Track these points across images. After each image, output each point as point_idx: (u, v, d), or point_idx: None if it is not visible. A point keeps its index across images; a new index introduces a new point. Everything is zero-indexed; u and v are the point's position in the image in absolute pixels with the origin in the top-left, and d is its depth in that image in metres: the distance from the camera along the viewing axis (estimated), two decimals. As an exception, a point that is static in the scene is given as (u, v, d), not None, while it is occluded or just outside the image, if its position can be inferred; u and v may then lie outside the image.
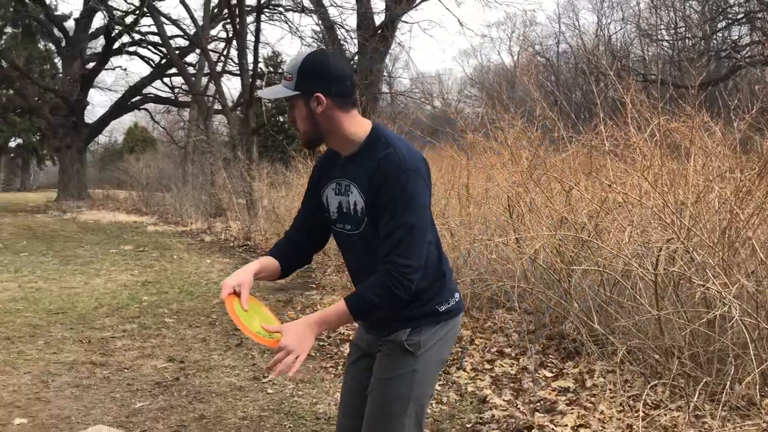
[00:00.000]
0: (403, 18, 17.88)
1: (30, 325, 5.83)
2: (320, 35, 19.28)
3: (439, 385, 4.35)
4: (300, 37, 20.84)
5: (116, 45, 21.69)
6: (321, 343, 5.42)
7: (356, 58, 17.48)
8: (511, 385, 4.28)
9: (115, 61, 23.22)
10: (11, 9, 26.75)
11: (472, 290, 5.65)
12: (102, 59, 21.87)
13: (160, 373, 4.68)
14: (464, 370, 4.58)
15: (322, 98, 1.89)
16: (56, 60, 29.56)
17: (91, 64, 22.28)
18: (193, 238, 12.13)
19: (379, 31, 17.37)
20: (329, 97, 1.90)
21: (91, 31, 22.25)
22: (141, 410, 3.99)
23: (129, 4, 20.68)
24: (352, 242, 2.04)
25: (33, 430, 3.70)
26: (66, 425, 3.77)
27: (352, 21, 26.80)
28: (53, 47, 26.46)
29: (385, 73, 22.63)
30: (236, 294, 1.97)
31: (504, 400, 4.03)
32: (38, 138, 34.69)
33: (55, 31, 22.91)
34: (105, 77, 43.42)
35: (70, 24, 23.01)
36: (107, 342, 5.38)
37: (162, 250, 10.54)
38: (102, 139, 37.22)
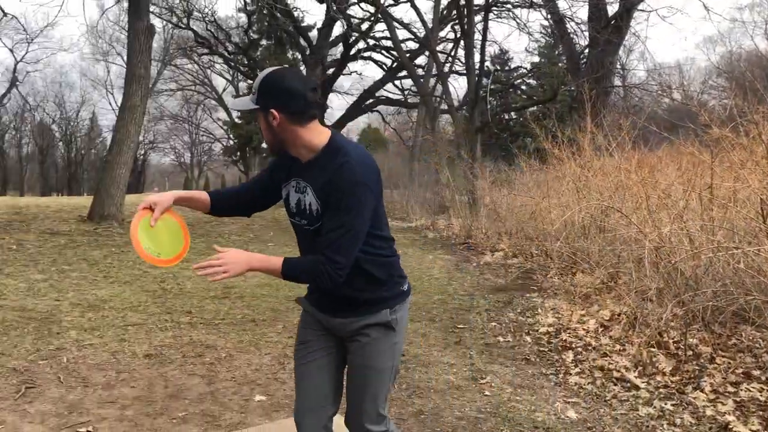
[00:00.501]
0: (640, 6, 16.73)
1: (272, 309, 6.41)
2: (549, 30, 18.77)
3: (672, 404, 3.98)
4: (528, 33, 20.58)
5: (353, 51, 23.12)
6: (542, 349, 5.26)
7: (586, 51, 16.72)
8: (760, 413, 3.78)
9: (351, 66, 24.85)
10: (266, 23, 29.96)
11: (713, 303, 5.09)
12: (340, 65, 23.46)
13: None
14: (702, 391, 4.14)
15: (275, 114, 2.14)
16: (301, 67, 32.27)
17: (330, 70, 24.00)
18: (417, 234, 12.49)
19: (612, 22, 16.44)
20: (282, 113, 2.13)
21: (331, 39, 23.96)
22: (363, 399, 4.18)
23: (365, 11, 21.96)
24: (306, 235, 2.30)
25: (270, 407, 4.04)
26: (285, 410, 4.06)
27: (582, 13, 25.74)
28: (299, 56, 28.99)
29: (618, 66, 21.37)
30: (150, 210, 2.26)
31: (751, 430, 3.56)
32: (285, 139, 38.26)
33: (301, 41, 25.07)
34: (343, 82, 46.48)
35: (313, 34, 25.01)
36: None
37: (388, 245, 11.00)
38: (338, 139, 39.97)
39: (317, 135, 2.20)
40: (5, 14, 15.63)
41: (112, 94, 41.99)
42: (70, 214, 12.93)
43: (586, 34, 17.45)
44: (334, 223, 2.13)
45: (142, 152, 43.62)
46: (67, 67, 71.84)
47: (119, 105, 13.36)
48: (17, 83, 39.72)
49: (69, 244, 9.84)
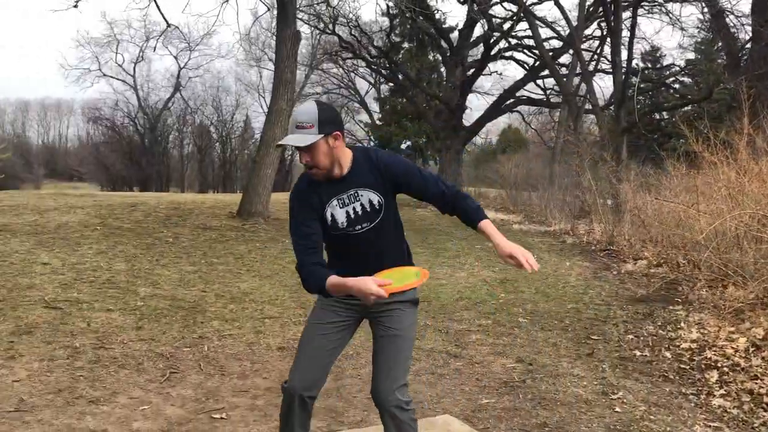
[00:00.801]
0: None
1: (400, 310, 6.47)
2: (705, 24, 17.50)
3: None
4: (681, 28, 19.25)
5: (494, 51, 22.83)
6: (682, 367, 4.91)
7: (748, 46, 15.42)
8: None
9: (492, 66, 24.55)
10: (408, 26, 30.34)
11: None
12: (480, 65, 23.24)
13: (509, 372, 4.76)
14: None
15: (339, 135, 2.48)
16: (442, 69, 32.33)
17: (470, 71, 23.86)
18: (555, 239, 12.11)
19: (780, 13, 15.01)
20: (342, 135, 2.50)
21: (472, 39, 23.82)
22: (486, 407, 4.11)
23: (507, 10, 21.63)
24: (363, 237, 2.59)
25: (392, 408, 4.08)
26: (419, 408, 4.06)
27: (744, 6, 23.75)
28: (440, 57, 29.08)
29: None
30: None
31: None
32: (424, 140, 38.50)
33: (442, 43, 25.11)
34: (483, 82, 46.07)
35: (454, 35, 24.98)
36: (463, 334, 5.68)
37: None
38: (478, 140, 39.77)
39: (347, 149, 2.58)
40: (169, 25, 17.00)
41: (263, 97, 44.36)
42: (222, 210, 13.80)
43: (748, 28, 16.09)
44: (430, 183, 2.62)
45: (290, 153, 45.70)
46: (223, 72, 76.98)
47: (267, 108, 14.05)
48: (180, 88, 43.09)
49: (219, 239, 10.51)
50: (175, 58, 41.38)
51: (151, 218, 12.24)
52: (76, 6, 13.31)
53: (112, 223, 11.52)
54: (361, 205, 2.57)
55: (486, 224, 2.58)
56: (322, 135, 2.42)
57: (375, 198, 2.57)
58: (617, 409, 4.12)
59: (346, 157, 2.55)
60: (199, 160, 47.11)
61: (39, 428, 3.61)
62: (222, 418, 3.86)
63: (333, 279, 2.43)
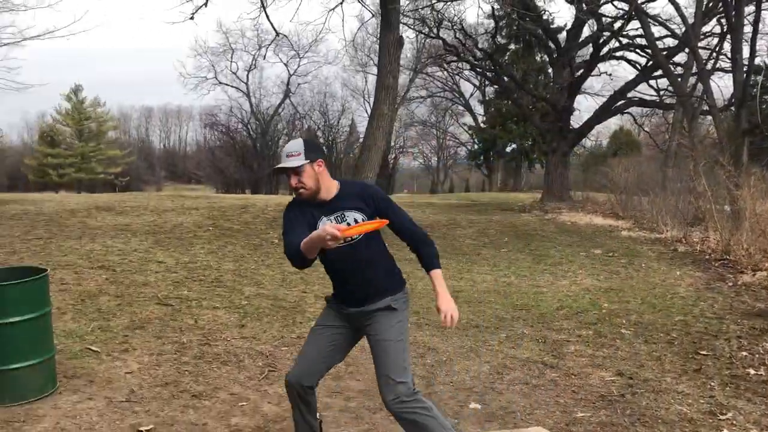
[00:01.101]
0: None
1: (497, 317, 6.39)
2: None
3: None
4: (813, 20, 17.76)
5: (603, 51, 22.06)
6: (801, 388, 4.55)
7: None
8: None
9: (601, 66, 23.68)
10: (514, 27, 29.89)
11: None
12: (589, 66, 22.51)
13: (607, 385, 4.59)
14: None
15: (321, 162, 2.96)
16: (549, 70, 31.62)
17: (579, 72, 23.17)
18: (666, 247, 11.54)
19: None
20: (324, 162, 2.96)
21: (580, 40, 23.12)
22: (581, 420, 3.98)
23: (618, 9, 20.84)
24: (352, 250, 2.96)
25: (483, 417, 4.04)
26: (511, 419, 4.01)
27: None
28: (547, 58, 28.42)
29: None
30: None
31: None
32: (530, 143, 37.80)
33: (550, 44, 24.53)
34: (592, 83, 44.66)
35: (562, 35, 24.34)
36: (561, 345, 5.53)
37: (631, 257, 10.32)
38: (588, 143, 38.56)
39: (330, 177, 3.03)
40: (278, 34, 17.63)
41: (368, 102, 45.05)
42: (324, 213, 14.16)
43: None
44: (405, 219, 3.07)
45: (393, 156, 46.14)
46: (330, 78, 78.79)
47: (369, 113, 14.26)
48: (290, 94, 44.53)
49: (320, 241, 10.77)
50: (285, 65, 42.84)
51: (259, 220, 12.73)
52: (192, 18, 14.06)
53: (223, 224, 12.07)
54: (347, 224, 2.91)
55: (436, 274, 3.07)
56: (308, 161, 2.90)
57: (359, 216, 2.94)
58: (725, 430, 3.88)
59: (332, 184, 3.00)
60: (306, 164, 48.44)
61: (146, 418, 3.84)
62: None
63: (304, 242, 2.75)
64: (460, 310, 6.37)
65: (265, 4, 14.91)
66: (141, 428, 3.70)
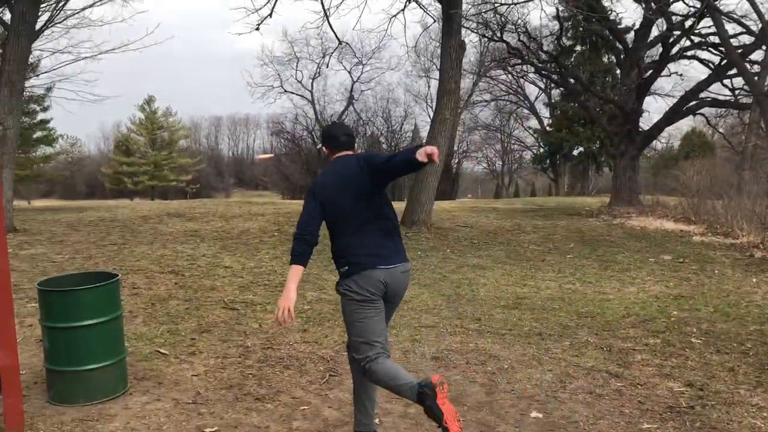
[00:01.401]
0: None
1: (561, 325, 6.27)
2: None
3: None
4: None
5: (674, 51, 21.36)
6: None
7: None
8: None
9: (672, 66, 22.93)
10: (580, 29, 29.32)
11: None
12: (658, 66, 21.84)
13: (675, 397, 4.44)
14: None
15: (324, 149, 3.76)
16: (616, 71, 30.85)
17: (648, 72, 22.51)
18: (741, 253, 11.07)
19: None
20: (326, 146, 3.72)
21: (649, 40, 22.48)
22: (647, 432, 3.87)
23: (689, 6, 20.15)
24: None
25: (545, 426, 3.97)
26: (573, 429, 3.93)
27: None
28: (614, 59, 27.73)
29: None
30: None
31: None
32: (597, 146, 36.94)
33: (617, 44, 23.93)
34: (662, 84, 43.33)
35: (630, 36, 23.72)
36: (627, 353, 5.38)
37: (702, 263, 9.95)
38: (658, 145, 37.38)
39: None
40: (341, 42, 17.84)
41: (431, 107, 44.99)
42: (387, 218, 14.22)
43: None
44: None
45: (456, 161, 45.95)
46: (393, 84, 79.24)
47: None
48: (353, 101, 44.93)
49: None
50: (349, 72, 43.23)
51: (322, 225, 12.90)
52: (257, 29, 14.40)
53: (288, 229, 12.28)
54: None
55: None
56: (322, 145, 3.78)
57: None
58: (803, 446, 3.69)
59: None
60: (370, 170, 48.82)
61: (211, 420, 3.95)
62: (376, 423, 3.97)
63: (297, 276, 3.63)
64: (523, 318, 6.32)
65: (327, 14, 15.13)
66: (206, 430, 3.81)
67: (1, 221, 3.63)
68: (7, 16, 18.59)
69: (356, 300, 3.49)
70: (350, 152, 3.65)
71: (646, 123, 24.42)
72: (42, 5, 12.61)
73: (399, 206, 17.94)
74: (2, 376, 3.64)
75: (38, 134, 37.70)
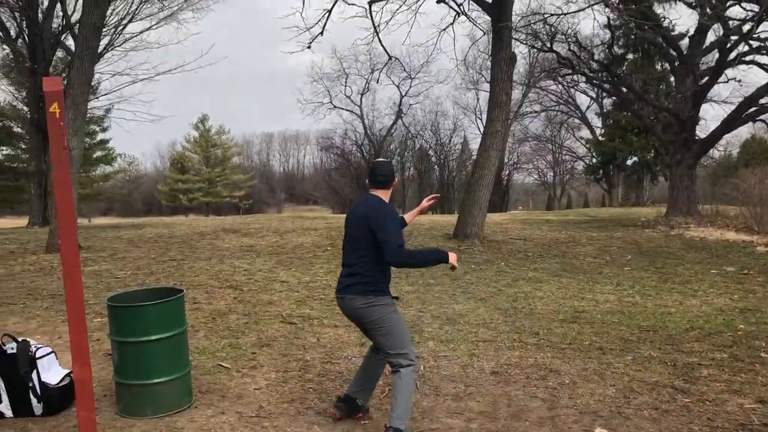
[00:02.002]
0: None
1: (621, 338, 6.14)
2: None
3: None
4: None
5: (731, 56, 20.80)
6: None
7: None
8: None
9: (729, 72, 22.31)
10: (632, 36, 28.82)
11: None
12: (715, 73, 21.29)
13: (746, 414, 4.30)
14: None
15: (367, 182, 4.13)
16: (671, 79, 30.22)
17: (704, 79, 21.98)
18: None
19: None
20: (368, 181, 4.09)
21: (704, 46, 21.96)
22: (718, 450, 3.75)
23: (746, 11, 19.61)
24: None
25: (610, 442, 3.89)
26: (640, 446, 3.84)
27: None
28: (668, 67, 27.15)
29: None
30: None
31: None
32: (652, 155, 36.14)
33: (670, 51, 23.45)
34: (718, 90, 42.19)
35: (684, 42, 23.22)
36: (693, 368, 5.23)
37: (769, 275, 9.62)
38: (715, 153, 36.35)
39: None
40: (391, 58, 17.97)
41: (480, 119, 44.83)
42: (439, 231, 14.18)
43: None
44: None
45: (507, 173, 45.54)
46: (441, 97, 79.40)
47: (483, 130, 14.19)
48: (402, 115, 45.10)
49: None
50: (397, 86, 43.46)
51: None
52: (309, 47, 14.64)
53: (340, 244, 12.38)
54: None
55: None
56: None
57: None
58: None
59: None
60: (419, 183, 48.79)
61: (274, 433, 4.01)
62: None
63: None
64: (582, 332, 6.22)
65: (377, 30, 15.28)
66: (270, 443, 3.86)
67: (74, 239, 3.78)
68: (69, 41, 19.33)
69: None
70: (379, 192, 4.04)
71: (702, 131, 23.82)
72: (103, 30, 13.11)
73: (451, 219, 17.91)
74: (77, 389, 3.77)
75: (98, 154, 39.04)
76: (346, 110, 45.08)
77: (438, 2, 14.23)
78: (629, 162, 39.05)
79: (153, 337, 4.20)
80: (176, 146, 62.53)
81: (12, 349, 4.34)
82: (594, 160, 42.21)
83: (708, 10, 18.79)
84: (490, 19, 13.81)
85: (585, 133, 45.47)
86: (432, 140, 48.27)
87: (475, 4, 13.77)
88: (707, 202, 25.44)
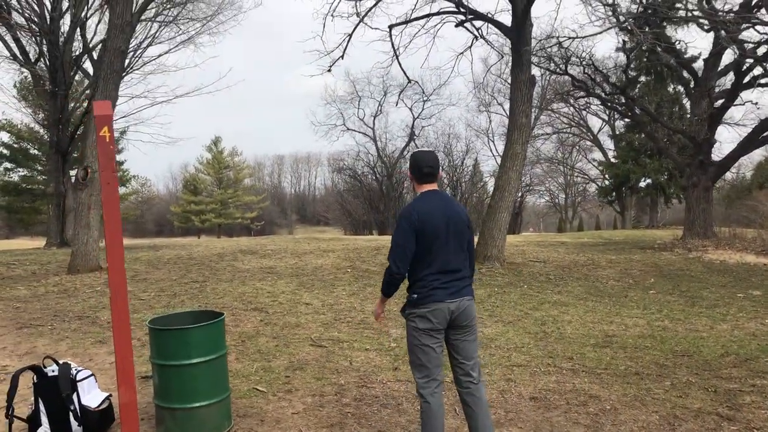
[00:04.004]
0: None
1: (657, 363, 6.06)
2: None
3: None
4: None
5: (747, 79, 20.80)
6: None
7: None
8: None
9: (744, 95, 22.32)
10: (645, 59, 28.88)
11: None
12: (730, 95, 21.29)
13: (796, 442, 4.22)
14: None
15: (407, 173, 4.04)
16: (684, 101, 30.25)
17: (719, 102, 21.96)
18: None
19: None
20: (410, 173, 3.85)
21: (719, 68, 21.99)
22: (773, 480, 3.67)
23: (762, 34, 19.63)
24: None
25: (660, 471, 3.82)
26: (692, 474, 3.76)
27: None
28: (682, 89, 27.18)
29: None
30: None
31: None
32: (666, 177, 36.01)
33: (684, 74, 23.48)
34: (731, 113, 42.17)
35: (698, 65, 23.25)
36: (735, 395, 5.15)
37: (797, 299, 9.50)
38: (728, 175, 36.19)
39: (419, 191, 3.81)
40: (410, 81, 18.06)
41: (492, 141, 45.00)
42: (457, 254, 14.15)
43: None
44: None
45: (520, 195, 45.50)
46: (454, 119, 79.65)
47: (501, 152, 14.20)
48: (414, 137, 45.26)
49: (458, 283, 10.74)
50: (410, 109, 43.71)
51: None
52: (329, 71, 14.75)
53: (359, 265, 12.36)
54: None
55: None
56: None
57: None
58: None
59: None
60: (431, 205, 48.79)
61: (319, 459, 3.95)
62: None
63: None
64: (616, 357, 6.14)
65: (397, 53, 15.38)
66: (315, 469, 3.81)
67: (121, 264, 3.78)
68: (87, 65, 19.51)
69: (420, 328, 3.69)
70: (435, 186, 3.77)
71: (716, 153, 23.73)
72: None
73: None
74: (121, 412, 3.75)
75: (113, 175, 39.22)
76: (360, 132, 45.32)
77: (457, 26, 14.33)
78: (642, 184, 38.91)
79: (194, 361, 4.18)
80: (189, 168, 62.94)
81: (53, 371, 4.33)
82: (607, 182, 42.11)
83: (723, 32, 18.82)
84: (505, 41, 13.88)
85: (597, 155, 45.47)
86: (444, 162, 48.33)
87: (493, 27, 13.85)
88: (722, 224, 25.31)
